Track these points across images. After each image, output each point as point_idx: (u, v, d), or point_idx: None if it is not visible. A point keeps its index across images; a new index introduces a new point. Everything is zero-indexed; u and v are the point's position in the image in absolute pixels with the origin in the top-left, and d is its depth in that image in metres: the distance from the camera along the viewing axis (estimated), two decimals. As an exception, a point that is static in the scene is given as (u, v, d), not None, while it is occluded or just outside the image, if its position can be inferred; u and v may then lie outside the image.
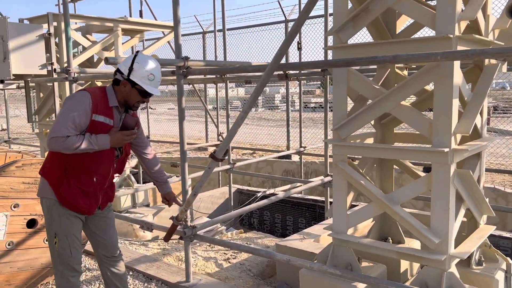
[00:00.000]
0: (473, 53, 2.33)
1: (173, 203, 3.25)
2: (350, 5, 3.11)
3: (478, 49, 2.41)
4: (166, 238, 3.56)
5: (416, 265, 3.70)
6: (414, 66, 4.15)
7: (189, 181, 7.10)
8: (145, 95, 2.74)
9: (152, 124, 14.37)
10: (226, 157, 3.13)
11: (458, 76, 2.67)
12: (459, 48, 2.62)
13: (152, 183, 6.90)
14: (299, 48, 7.13)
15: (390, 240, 3.55)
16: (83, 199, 2.74)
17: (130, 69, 2.67)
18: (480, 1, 2.74)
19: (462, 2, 2.74)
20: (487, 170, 7.34)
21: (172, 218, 3.50)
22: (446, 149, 2.63)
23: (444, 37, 2.58)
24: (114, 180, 7.21)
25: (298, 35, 8.04)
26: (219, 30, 8.28)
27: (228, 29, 9.99)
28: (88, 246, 4.54)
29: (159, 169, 3.18)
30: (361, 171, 3.27)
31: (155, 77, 2.70)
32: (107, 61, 3.06)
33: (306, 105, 21.94)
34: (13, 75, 4.95)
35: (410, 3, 2.80)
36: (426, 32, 5.78)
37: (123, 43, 6.51)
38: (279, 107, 24.27)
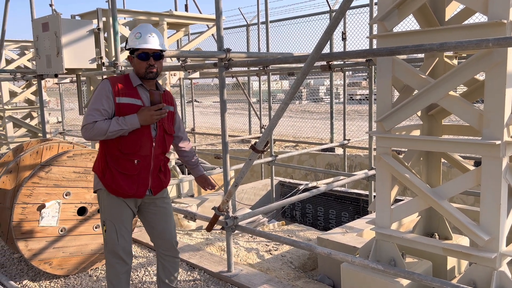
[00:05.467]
0: (529, 39, 2.18)
1: (208, 185, 3.19)
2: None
3: (535, 35, 2.26)
4: (208, 228, 3.62)
5: (464, 263, 3.56)
6: (465, 55, 3.95)
7: (231, 173, 7.20)
8: (142, 57, 2.69)
9: (197, 117, 14.65)
10: (267, 149, 3.10)
11: (512, 64, 2.51)
12: (514, 34, 2.46)
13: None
14: (344, 39, 6.97)
15: (437, 236, 3.43)
16: (128, 183, 2.77)
17: (126, 43, 2.76)
18: (539, -17, 2.56)
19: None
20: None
21: (214, 208, 3.56)
22: (498, 142, 2.49)
23: (497, 22, 2.43)
24: (170, 166, 7.30)
25: (343, 25, 7.87)
26: (262, 23, 8.25)
27: (271, 21, 9.96)
28: (135, 235, 4.72)
29: (190, 152, 3.13)
30: (406, 164, 3.16)
31: (141, 34, 2.69)
32: (151, 54, 3.12)
33: (351, 97, 21.54)
34: (66, 69, 5.17)
35: (460, -12, 2.66)
36: (478, 18, 5.48)
37: (168, 37, 6.64)
38: (324, 99, 23.98)
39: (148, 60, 2.70)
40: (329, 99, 9.82)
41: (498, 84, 2.50)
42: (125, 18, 6.48)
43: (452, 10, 3.25)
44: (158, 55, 2.74)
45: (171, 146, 3.09)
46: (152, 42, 2.70)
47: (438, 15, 3.17)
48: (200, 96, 31.02)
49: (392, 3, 2.88)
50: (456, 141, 2.75)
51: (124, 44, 2.82)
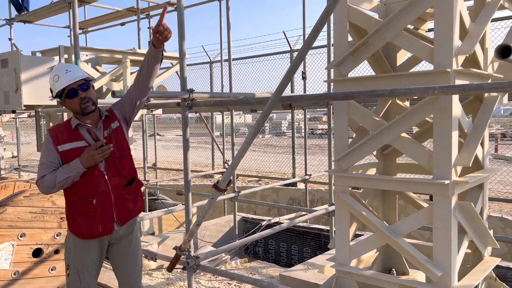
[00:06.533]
0: (470, 88, 2.38)
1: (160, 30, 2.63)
2: (350, 38, 3.19)
3: (475, 84, 2.46)
4: (170, 268, 3.56)
5: (421, 297, 3.65)
6: (416, 97, 4.21)
7: (194, 209, 7.13)
8: (71, 95, 2.62)
9: (160, 151, 14.52)
10: (230, 187, 3.12)
11: (457, 109, 2.71)
12: (457, 82, 2.67)
13: (158, 211, 6.91)
14: (304, 78, 7.23)
15: (394, 272, 3.52)
16: (91, 223, 2.69)
17: (51, 91, 2.74)
18: (477, 36, 2.81)
19: (459, 37, 2.81)
20: (494, 199, 7.25)
21: (175, 248, 3.52)
22: (447, 181, 2.65)
23: (442, 71, 2.63)
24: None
25: (303, 64, 8.18)
26: (225, 60, 8.45)
27: (234, 59, 10.19)
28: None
29: (148, 66, 2.83)
30: (363, 202, 3.28)
31: (59, 75, 2.65)
32: (114, 94, 3.14)
33: (312, 132, 22.01)
34: (24, 105, 5.08)
35: (408, 38, 2.87)
36: (427, 64, 5.86)
37: (131, 74, 6.66)
38: (286, 133, 24.37)
39: (77, 95, 2.63)
40: (291, 132, 10.02)
41: (445, 127, 2.68)
42: (87, 56, 6.47)
43: (403, 56, 3.49)
44: (85, 86, 2.66)
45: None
46: (72, 76, 2.64)
47: (390, 61, 3.38)
48: (162, 130, 30.77)
49: (346, 50, 3.06)
50: (409, 180, 2.91)
51: (51, 97, 2.77)
